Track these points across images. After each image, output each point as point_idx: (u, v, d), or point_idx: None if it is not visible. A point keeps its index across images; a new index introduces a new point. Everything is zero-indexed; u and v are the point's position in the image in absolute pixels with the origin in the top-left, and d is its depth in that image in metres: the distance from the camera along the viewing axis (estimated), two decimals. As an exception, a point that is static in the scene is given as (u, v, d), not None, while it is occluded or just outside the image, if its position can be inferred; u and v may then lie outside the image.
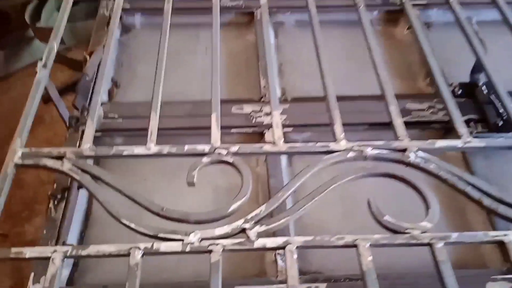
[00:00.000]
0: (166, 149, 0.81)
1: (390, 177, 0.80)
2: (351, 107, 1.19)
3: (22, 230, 1.99)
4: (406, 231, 0.71)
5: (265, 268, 1.05)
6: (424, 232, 0.71)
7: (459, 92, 1.25)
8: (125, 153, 0.81)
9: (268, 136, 1.14)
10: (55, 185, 1.09)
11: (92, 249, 0.69)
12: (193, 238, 0.70)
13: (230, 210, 0.73)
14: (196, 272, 1.01)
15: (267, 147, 0.82)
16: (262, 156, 1.18)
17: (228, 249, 0.70)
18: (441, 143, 0.84)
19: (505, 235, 0.72)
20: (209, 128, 0.85)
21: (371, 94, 1.23)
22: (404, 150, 0.82)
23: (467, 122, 1.18)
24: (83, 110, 1.18)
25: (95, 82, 1.21)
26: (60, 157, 0.79)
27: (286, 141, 0.85)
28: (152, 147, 0.81)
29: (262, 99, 1.21)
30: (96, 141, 1.18)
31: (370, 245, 0.70)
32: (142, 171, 1.17)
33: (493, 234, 0.72)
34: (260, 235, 0.71)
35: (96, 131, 1.13)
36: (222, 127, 1.11)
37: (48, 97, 1.24)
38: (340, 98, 0.89)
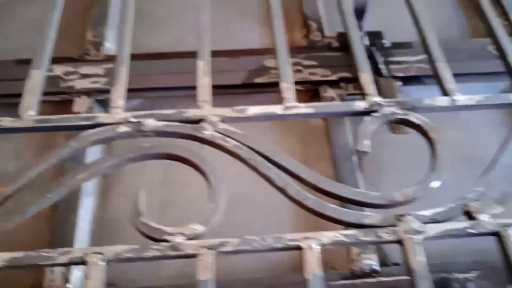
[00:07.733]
0: None
1: (172, 159, 0.59)
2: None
3: None
4: (164, 237, 0.51)
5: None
6: (191, 239, 0.51)
7: (337, 45, 1.03)
8: None
9: (78, 105, 0.88)
10: None
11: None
12: None
13: None
14: None
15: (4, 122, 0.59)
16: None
17: None
18: (254, 109, 0.63)
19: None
20: None
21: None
22: (199, 121, 0.61)
23: (338, 81, 0.96)
24: None
25: None
26: None
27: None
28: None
29: (86, 56, 0.94)
30: None
31: (108, 262, 0.49)
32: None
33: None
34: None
35: None
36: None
37: None
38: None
